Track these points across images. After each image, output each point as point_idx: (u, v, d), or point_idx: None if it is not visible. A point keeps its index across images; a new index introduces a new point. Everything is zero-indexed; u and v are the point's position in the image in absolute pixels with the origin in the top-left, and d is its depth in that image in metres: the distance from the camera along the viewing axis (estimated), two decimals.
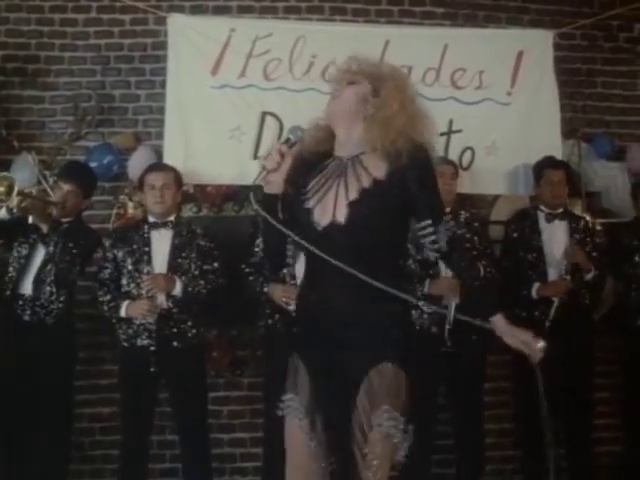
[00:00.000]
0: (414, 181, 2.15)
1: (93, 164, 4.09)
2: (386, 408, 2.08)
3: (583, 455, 3.80)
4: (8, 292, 3.51)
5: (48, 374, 3.48)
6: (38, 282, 3.50)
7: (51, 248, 3.52)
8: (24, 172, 4.01)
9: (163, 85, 4.26)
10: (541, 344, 2.15)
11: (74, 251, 3.57)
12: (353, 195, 2.15)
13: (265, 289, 3.54)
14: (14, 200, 3.28)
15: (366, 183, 2.16)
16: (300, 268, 3.48)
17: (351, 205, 2.14)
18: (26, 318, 3.51)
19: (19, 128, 4.21)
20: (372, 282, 2.06)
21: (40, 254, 3.54)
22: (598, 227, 4.12)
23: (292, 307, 3.33)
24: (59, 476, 3.61)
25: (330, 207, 2.17)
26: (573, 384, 3.77)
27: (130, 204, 4.19)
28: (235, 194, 4.21)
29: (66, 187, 3.57)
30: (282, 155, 2.16)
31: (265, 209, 2.16)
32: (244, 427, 4.21)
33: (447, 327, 3.54)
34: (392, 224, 2.19)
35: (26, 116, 4.23)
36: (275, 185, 2.18)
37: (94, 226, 4.10)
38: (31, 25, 4.27)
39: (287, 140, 2.19)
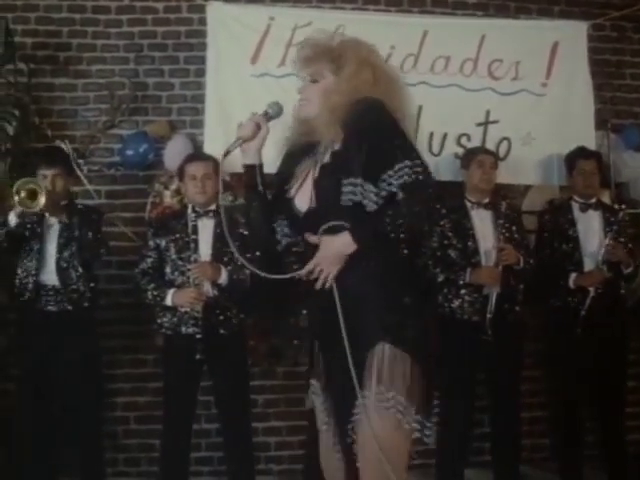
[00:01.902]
0: (366, 138, 2.04)
1: (129, 152, 4.10)
2: (392, 394, 2.04)
3: (617, 442, 3.85)
4: (30, 286, 3.46)
5: (75, 362, 3.48)
6: (61, 270, 3.48)
7: (68, 233, 3.50)
8: None
9: (197, 74, 4.28)
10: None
11: (90, 231, 3.54)
12: (315, 174, 2.16)
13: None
14: (40, 203, 3.26)
15: (326, 158, 2.16)
16: None
17: (315, 185, 2.14)
18: (51, 308, 3.49)
19: (51, 116, 4.18)
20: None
21: (52, 244, 3.51)
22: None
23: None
24: (97, 466, 3.64)
25: (308, 193, 2.17)
26: (607, 372, 3.81)
27: (167, 193, 4.18)
28: (272, 183, 4.21)
29: (50, 172, 3.49)
30: (258, 125, 2.18)
31: (246, 181, 2.25)
32: (279, 416, 4.24)
33: (488, 316, 3.59)
34: (362, 191, 2.06)
35: (58, 104, 4.21)
36: (251, 154, 2.22)
37: (127, 215, 4.12)
38: (62, 12, 4.24)
39: (265, 113, 2.21)
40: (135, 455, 4.14)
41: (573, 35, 4.12)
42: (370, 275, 2.09)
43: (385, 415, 2.04)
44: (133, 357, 4.15)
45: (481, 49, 3.98)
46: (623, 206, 3.93)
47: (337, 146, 2.14)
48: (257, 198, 2.28)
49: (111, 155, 4.16)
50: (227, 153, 2.17)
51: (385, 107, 2.09)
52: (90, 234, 3.53)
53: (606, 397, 3.85)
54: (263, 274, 2.17)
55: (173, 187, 4.19)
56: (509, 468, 3.79)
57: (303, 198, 2.18)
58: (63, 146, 4.02)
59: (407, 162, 1.99)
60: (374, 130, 2.05)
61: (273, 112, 2.20)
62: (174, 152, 4.07)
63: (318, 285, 2.09)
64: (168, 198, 4.21)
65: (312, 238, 2.10)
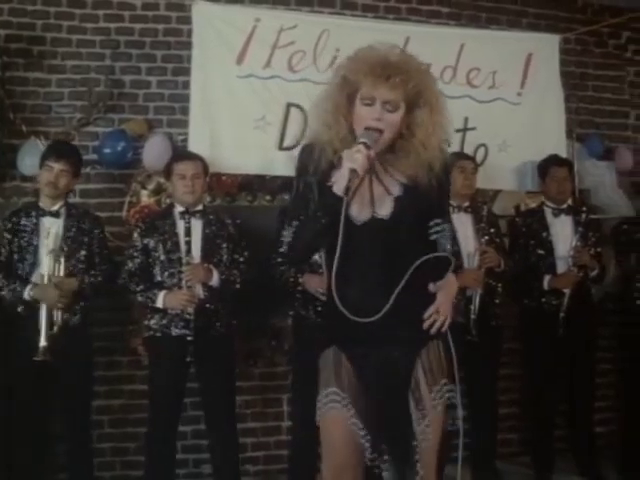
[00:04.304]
0: (438, 184, 2.22)
1: (106, 150, 4.02)
2: (445, 381, 2.20)
3: (586, 434, 4.06)
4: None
5: (71, 371, 3.43)
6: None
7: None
8: (32, 158, 3.85)
9: (175, 72, 4.26)
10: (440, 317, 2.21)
11: (91, 231, 3.56)
12: (397, 191, 2.20)
13: (300, 279, 3.58)
14: None
15: (405, 180, 2.21)
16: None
17: (397, 200, 2.19)
18: None
19: (24, 112, 4.05)
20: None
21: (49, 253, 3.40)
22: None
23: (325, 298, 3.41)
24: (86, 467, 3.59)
25: (368, 202, 2.20)
26: (579, 370, 4.01)
27: (144, 192, 4.12)
28: (249, 184, 4.23)
29: (57, 166, 3.46)
30: (369, 159, 2.12)
31: (336, 210, 2.09)
32: (256, 417, 4.23)
33: (472, 317, 3.71)
34: (425, 220, 2.28)
35: (32, 99, 4.08)
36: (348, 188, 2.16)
37: (104, 214, 4.03)
38: (37, 4, 4.10)
39: (367, 145, 2.11)
40: (109, 459, 4.06)
41: (546, 47, 4.28)
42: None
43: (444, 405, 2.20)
44: (108, 359, 4.05)
45: (460, 57, 4.08)
46: (584, 208, 4.14)
47: (410, 171, 2.21)
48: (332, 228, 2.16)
49: (86, 153, 4.04)
50: (348, 190, 2.08)
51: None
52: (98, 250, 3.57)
53: (577, 392, 4.05)
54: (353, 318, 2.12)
55: (151, 187, 4.14)
56: (487, 463, 3.94)
57: (362, 208, 2.19)
58: (39, 143, 3.91)
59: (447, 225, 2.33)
60: (444, 181, 2.28)
61: (370, 140, 2.12)
62: (153, 151, 4.02)
63: (434, 330, 2.19)
64: (145, 197, 4.15)
65: (431, 287, 2.21)
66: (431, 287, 2.20)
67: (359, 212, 2.19)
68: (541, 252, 4.01)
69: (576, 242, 3.93)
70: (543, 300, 3.96)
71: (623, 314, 4.22)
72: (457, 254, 3.70)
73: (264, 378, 4.25)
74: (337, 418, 2.19)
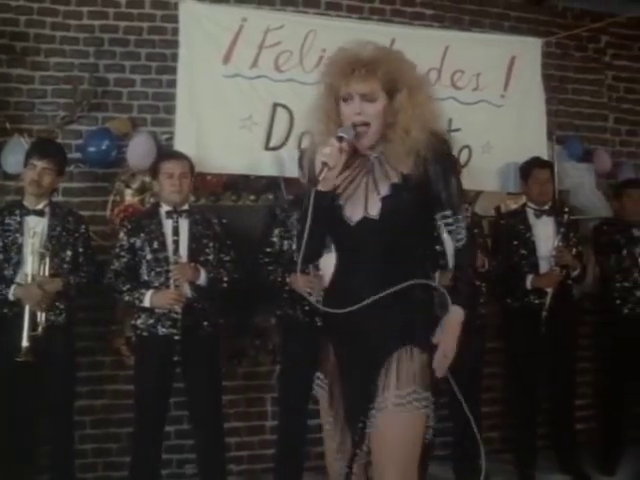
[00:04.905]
0: (436, 173, 2.19)
1: (90, 149, 3.99)
2: (413, 389, 2.13)
3: (567, 432, 4.14)
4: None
5: (55, 371, 3.42)
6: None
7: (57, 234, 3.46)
8: (16, 155, 3.81)
9: (159, 71, 4.25)
10: (442, 369, 2.18)
11: (76, 231, 3.54)
12: (385, 190, 2.20)
13: (287, 279, 3.58)
14: None
15: (395, 178, 2.21)
16: (324, 259, 3.57)
17: (384, 200, 2.19)
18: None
19: (7, 109, 4.00)
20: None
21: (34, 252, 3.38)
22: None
23: (314, 297, 3.42)
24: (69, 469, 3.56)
25: (361, 203, 2.22)
26: (560, 368, 4.08)
27: (128, 191, 4.09)
28: (234, 184, 4.22)
29: (40, 164, 3.43)
30: (341, 152, 2.14)
31: (320, 206, 2.12)
32: (239, 416, 4.23)
33: None
34: (421, 217, 2.24)
35: (15, 96, 4.04)
36: (329, 182, 2.17)
37: (87, 213, 3.99)
38: (20, 0, 4.06)
39: (341, 138, 2.14)
40: (91, 460, 4.02)
41: (529, 51, 4.32)
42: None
43: (417, 414, 2.14)
44: (90, 359, 4.02)
45: (445, 59, 4.09)
46: (566, 209, 4.20)
47: (402, 168, 2.19)
48: (325, 224, 2.21)
49: (69, 151, 3.99)
50: (317, 182, 2.11)
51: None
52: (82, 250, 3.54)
53: (558, 391, 4.13)
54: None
55: (135, 186, 4.12)
56: (469, 461, 3.98)
57: (355, 209, 2.21)
58: (22, 140, 3.87)
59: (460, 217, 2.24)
60: (445, 169, 2.21)
61: (349, 136, 2.14)
62: (138, 150, 4.00)
63: (439, 375, 2.16)
64: (129, 196, 4.12)
65: (436, 339, 2.17)
66: (435, 338, 2.17)
67: (352, 212, 2.21)
68: (524, 252, 4.07)
69: (558, 242, 3.99)
70: (526, 299, 4.01)
71: (602, 314, 4.30)
72: (442, 254, 3.76)
73: (247, 377, 4.26)
74: (322, 402, 2.32)
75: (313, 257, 2.40)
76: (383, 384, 2.15)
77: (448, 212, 2.21)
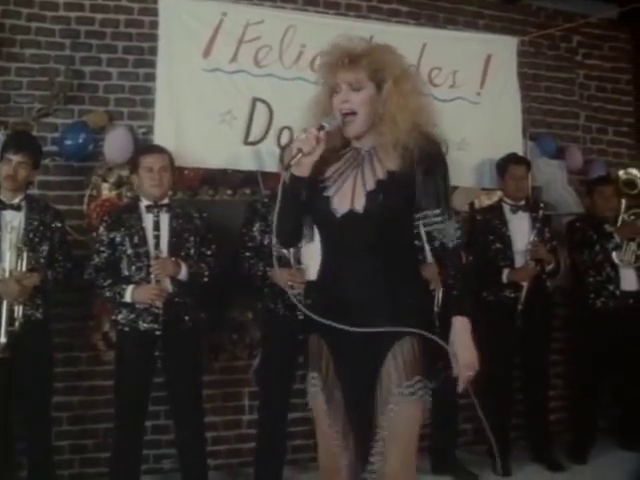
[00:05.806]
0: (423, 172, 2.19)
1: (67, 142, 3.94)
2: (418, 378, 2.16)
3: (541, 422, 4.25)
4: None
5: (32, 367, 3.38)
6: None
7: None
8: None
9: (136, 64, 4.22)
10: (468, 375, 2.19)
11: (53, 225, 3.50)
12: (370, 185, 2.22)
13: (269, 273, 3.59)
14: None
15: (381, 175, 2.23)
16: (306, 253, 3.59)
17: (369, 195, 2.21)
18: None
19: None
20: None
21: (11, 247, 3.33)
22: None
23: (296, 291, 3.43)
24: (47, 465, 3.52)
25: (348, 196, 2.23)
26: (535, 359, 4.19)
27: (105, 186, 4.05)
28: (211, 178, 4.21)
29: (16, 159, 3.39)
30: (318, 140, 2.16)
31: (292, 190, 2.18)
32: (216, 411, 4.20)
33: (436, 309, 3.79)
34: (406, 213, 2.24)
35: None
36: (305, 168, 2.18)
37: (63, 207, 3.94)
38: None
39: (321, 127, 2.17)
40: (68, 457, 3.98)
41: (505, 49, 4.40)
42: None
43: (423, 401, 2.18)
44: (67, 355, 3.97)
45: (422, 57, 4.14)
46: (541, 205, 4.30)
47: (390, 165, 2.21)
48: (297, 208, 2.24)
49: (45, 144, 3.94)
50: (288, 167, 2.14)
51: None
52: (58, 236, 3.52)
53: (532, 382, 4.23)
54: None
55: (112, 180, 4.08)
56: (447, 452, 4.05)
57: (342, 201, 2.22)
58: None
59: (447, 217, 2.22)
60: (433, 170, 2.20)
61: (330, 126, 2.17)
62: (115, 143, 3.97)
63: (461, 389, 2.17)
64: (106, 191, 4.08)
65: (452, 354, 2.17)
66: (452, 354, 2.17)
67: (339, 205, 2.22)
68: (500, 247, 4.15)
69: (533, 237, 4.08)
70: (501, 293, 4.09)
71: (574, 307, 4.39)
72: (420, 249, 3.80)
73: (224, 372, 4.25)
74: (318, 401, 2.28)
75: (289, 240, 2.40)
76: (389, 374, 2.16)
77: (437, 211, 2.20)
